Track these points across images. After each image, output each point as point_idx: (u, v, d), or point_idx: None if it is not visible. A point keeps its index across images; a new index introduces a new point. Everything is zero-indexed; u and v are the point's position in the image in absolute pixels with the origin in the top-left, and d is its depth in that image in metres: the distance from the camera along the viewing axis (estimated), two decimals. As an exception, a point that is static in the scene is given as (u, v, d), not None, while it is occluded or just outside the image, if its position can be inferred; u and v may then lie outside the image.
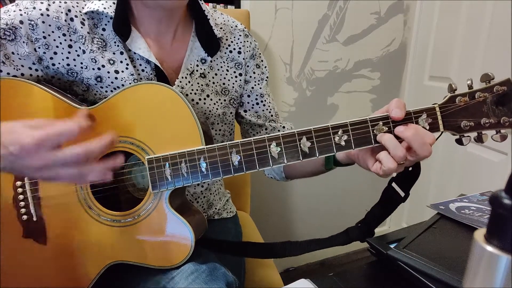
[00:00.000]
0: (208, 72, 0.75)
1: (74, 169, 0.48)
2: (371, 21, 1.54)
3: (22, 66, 0.63)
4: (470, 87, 0.54)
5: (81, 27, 0.64)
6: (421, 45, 1.62)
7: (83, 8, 0.65)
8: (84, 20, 0.65)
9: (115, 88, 0.67)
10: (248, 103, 0.83)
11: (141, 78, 0.68)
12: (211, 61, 0.75)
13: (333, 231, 0.70)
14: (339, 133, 0.54)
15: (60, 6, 0.63)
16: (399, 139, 0.53)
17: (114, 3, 0.65)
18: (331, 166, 0.67)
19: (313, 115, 1.57)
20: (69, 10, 0.64)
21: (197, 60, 0.73)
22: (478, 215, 0.68)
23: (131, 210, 0.61)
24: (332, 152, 0.55)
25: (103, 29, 0.66)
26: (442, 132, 0.55)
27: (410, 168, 0.61)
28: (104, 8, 0.64)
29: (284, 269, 1.74)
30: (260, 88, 0.82)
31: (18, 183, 0.61)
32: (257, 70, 0.82)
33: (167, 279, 0.60)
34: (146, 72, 0.68)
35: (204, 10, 0.72)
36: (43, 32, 0.62)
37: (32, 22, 0.62)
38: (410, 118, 0.54)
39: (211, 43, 0.73)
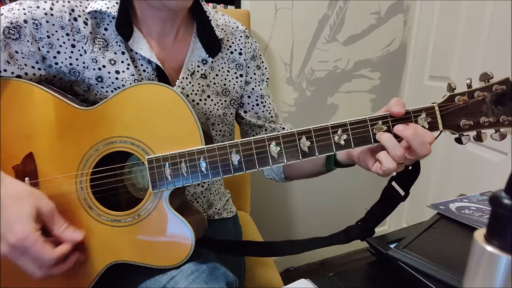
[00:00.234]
0: (209, 73, 0.75)
1: (34, 268, 0.54)
2: (371, 21, 1.54)
3: (26, 65, 0.63)
4: (469, 86, 0.54)
5: (84, 27, 0.64)
6: (421, 45, 1.62)
7: (86, 7, 0.65)
8: (87, 19, 0.65)
9: (115, 88, 0.67)
10: (248, 104, 0.83)
11: (142, 78, 0.68)
12: (212, 62, 0.75)
13: (333, 231, 0.70)
14: (338, 132, 0.54)
15: (63, 6, 0.64)
16: (398, 138, 0.53)
17: (117, 3, 0.65)
18: (332, 166, 0.67)
19: (313, 115, 1.57)
20: (73, 10, 0.64)
21: (198, 61, 0.73)
22: (478, 215, 0.68)
23: (131, 210, 0.61)
24: (331, 151, 0.55)
25: (105, 29, 0.66)
26: (441, 131, 0.56)
27: (410, 167, 0.61)
28: (107, 8, 0.64)
29: (284, 269, 1.74)
30: (261, 89, 0.82)
31: (18, 183, 0.61)
32: (257, 71, 0.82)
33: (167, 279, 0.60)
34: (148, 72, 0.68)
35: (206, 11, 0.72)
36: (47, 31, 0.63)
37: (36, 22, 0.62)
38: (409, 117, 0.54)
39: (212, 44, 0.73)
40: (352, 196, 1.76)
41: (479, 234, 0.26)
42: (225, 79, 0.77)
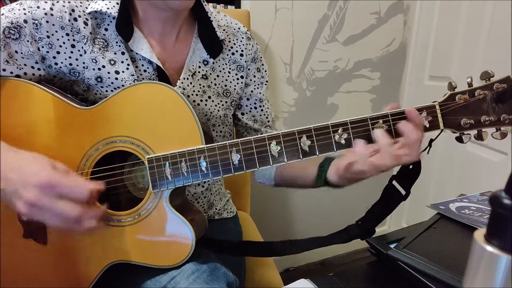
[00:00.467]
0: (210, 74, 0.75)
1: (61, 222, 0.51)
2: (371, 21, 1.54)
3: (25, 65, 0.63)
4: (470, 84, 0.54)
5: (84, 27, 0.64)
6: (421, 45, 1.62)
7: (86, 8, 0.65)
8: (87, 20, 0.65)
9: (115, 88, 0.67)
10: (246, 106, 0.83)
11: (142, 78, 0.68)
12: (213, 63, 0.75)
13: (333, 230, 0.70)
14: (339, 131, 0.54)
15: (64, 6, 0.63)
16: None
17: (117, 3, 0.65)
18: (322, 182, 0.66)
19: (313, 115, 1.57)
20: (73, 10, 0.64)
21: (199, 62, 0.73)
22: (478, 215, 0.68)
23: (132, 209, 0.61)
24: (332, 150, 0.55)
25: (106, 29, 0.66)
26: (442, 130, 0.56)
27: (411, 166, 0.61)
28: (108, 8, 0.64)
29: (284, 269, 1.74)
30: (260, 92, 0.82)
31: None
32: (257, 74, 0.82)
33: (167, 279, 0.60)
34: (148, 72, 0.68)
35: (207, 12, 0.72)
36: (47, 31, 0.63)
37: (36, 22, 0.62)
38: None
39: (213, 45, 0.73)
40: (352, 196, 1.76)
41: (479, 234, 0.26)
42: (226, 80, 0.77)
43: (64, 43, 0.64)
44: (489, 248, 0.25)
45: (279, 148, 0.56)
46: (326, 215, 1.73)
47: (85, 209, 0.51)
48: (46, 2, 0.63)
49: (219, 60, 0.76)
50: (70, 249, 0.62)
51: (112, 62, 0.66)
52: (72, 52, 0.65)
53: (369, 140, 0.55)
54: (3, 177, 0.50)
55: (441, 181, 1.55)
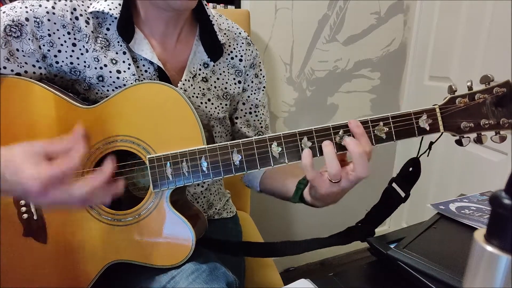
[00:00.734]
0: (210, 77, 0.75)
1: (79, 201, 0.51)
2: (371, 21, 1.54)
3: (26, 63, 0.63)
4: (470, 88, 0.55)
5: (86, 26, 0.64)
6: (421, 45, 1.62)
7: (88, 7, 0.65)
8: (89, 19, 0.65)
9: (116, 88, 0.67)
10: (241, 110, 0.83)
11: (144, 79, 0.68)
12: (213, 66, 0.75)
13: (333, 231, 0.70)
14: (340, 133, 0.55)
15: (65, 5, 0.64)
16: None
17: (120, 4, 0.65)
18: (297, 200, 0.66)
19: (313, 115, 1.57)
20: (75, 9, 0.64)
21: (200, 64, 0.73)
22: (478, 215, 0.68)
23: (132, 209, 0.61)
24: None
25: (107, 29, 0.66)
26: (442, 133, 0.56)
27: (411, 169, 0.61)
28: (110, 9, 0.64)
29: (284, 269, 1.74)
30: (256, 98, 0.83)
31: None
32: (255, 80, 0.82)
33: (167, 279, 0.60)
34: (149, 72, 0.68)
35: (209, 15, 0.72)
36: (48, 30, 0.63)
37: (38, 20, 0.62)
38: (410, 118, 0.55)
39: (214, 48, 0.73)
40: (352, 197, 1.76)
41: (479, 234, 0.26)
42: (226, 83, 0.77)
43: (65, 41, 0.64)
44: (489, 248, 0.25)
45: (280, 149, 0.56)
46: (326, 215, 1.73)
47: (92, 182, 0.50)
48: (48, 1, 0.63)
49: (219, 63, 0.76)
50: (70, 248, 0.62)
51: (114, 61, 0.66)
52: (73, 51, 0.65)
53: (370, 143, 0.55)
54: (3, 180, 0.49)
55: (441, 181, 1.55)
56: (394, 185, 0.63)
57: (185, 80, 0.70)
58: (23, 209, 0.61)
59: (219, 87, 0.76)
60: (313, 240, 0.70)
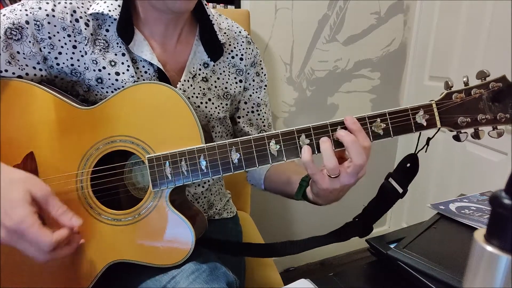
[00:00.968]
0: (211, 76, 0.75)
1: (36, 252, 0.51)
2: (371, 21, 1.54)
3: (27, 65, 0.63)
4: (466, 83, 0.55)
5: (85, 28, 0.64)
6: (421, 45, 1.62)
7: (88, 9, 0.65)
8: (88, 21, 0.65)
9: (115, 89, 0.67)
10: (243, 109, 0.83)
11: (143, 80, 0.68)
12: (213, 66, 0.75)
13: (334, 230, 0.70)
14: (337, 130, 0.55)
15: (65, 7, 0.63)
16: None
17: (119, 5, 0.65)
18: (300, 197, 0.67)
19: (313, 115, 1.57)
20: (74, 11, 0.64)
21: (200, 64, 0.73)
22: (478, 215, 0.68)
23: (132, 209, 0.61)
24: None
25: (107, 30, 0.66)
26: (439, 128, 0.56)
27: (409, 164, 0.61)
28: (109, 10, 0.64)
29: (284, 269, 1.74)
30: (258, 97, 0.83)
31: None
32: (256, 78, 0.82)
33: (167, 279, 0.60)
34: (149, 74, 0.68)
35: (209, 15, 0.72)
36: (49, 32, 0.63)
37: (38, 23, 0.62)
38: (407, 114, 0.55)
39: (214, 48, 0.73)
40: (353, 197, 1.75)
41: (479, 234, 0.26)
42: (226, 82, 0.77)
43: (65, 44, 0.64)
44: (489, 248, 0.25)
45: (278, 147, 0.56)
46: (326, 215, 1.73)
47: (49, 254, 0.52)
48: (47, 3, 0.63)
49: (220, 62, 0.76)
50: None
51: (113, 63, 0.66)
52: (73, 53, 0.65)
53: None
54: None
55: (441, 181, 1.55)
56: (391, 180, 0.63)
57: (185, 80, 0.70)
58: (23, 209, 0.61)
59: (219, 86, 0.76)
60: (311, 239, 0.70)
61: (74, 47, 0.65)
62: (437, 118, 0.55)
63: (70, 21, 0.64)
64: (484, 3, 1.28)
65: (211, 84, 0.75)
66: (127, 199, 0.68)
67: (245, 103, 0.82)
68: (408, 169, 0.62)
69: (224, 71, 0.77)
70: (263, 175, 0.82)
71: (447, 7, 1.47)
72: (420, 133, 0.57)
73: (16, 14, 0.61)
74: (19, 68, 0.62)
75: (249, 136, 0.56)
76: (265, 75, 0.84)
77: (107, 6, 0.64)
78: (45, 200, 0.53)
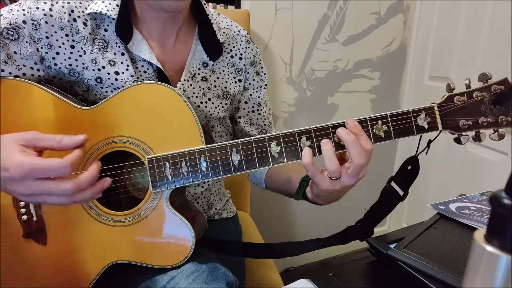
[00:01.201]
0: (210, 76, 0.75)
1: (62, 198, 0.51)
2: (371, 21, 1.54)
3: (24, 66, 0.63)
4: (468, 86, 0.55)
5: (83, 28, 0.64)
6: (421, 45, 1.62)
7: (86, 8, 0.65)
8: (86, 20, 0.65)
9: (115, 89, 0.67)
10: (244, 109, 0.83)
11: (142, 79, 0.68)
12: (213, 65, 0.75)
13: (333, 231, 0.70)
14: (337, 128, 0.55)
15: (63, 7, 0.63)
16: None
17: (117, 5, 0.65)
18: (300, 197, 0.67)
19: (313, 115, 1.57)
20: (72, 11, 0.64)
21: (199, 64, 0.73)
22: (478, 215, 0.68)
23: (132, 209, 0.61)
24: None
25: (105, 30, 0.66)
26: (440, 131, 0.56)
27: (409, 167, 0.61)
28: (108, 10, 0.64)
29: (284, 269, 1.74)
30: (258, 96, 0.83)
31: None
32: (256, 77, 0.82)
33: (167, 279, 0.60)
34: (148, 73, 0.68)
35: (208, 14, 0.72)
36: (46, 32, 0.62)
37: (35, 22, 0.62)
38: (409, 117, 0.55)
39: (213, 47, 0.73)
40: (353, 197, 1.75)
41: (479, 234, 0.26)
42: (226, 82, 0.77)
43: (63, 43, 0.64)
44: (489, 248, 0.25)
45: (279, 148, 0.56)
46: (326, 215, 1.73)
47: (76, 182, 0.50)
48: (45, 3, 0.63)
49: (219, 62, 0.76)
50: (70, 249, 0.62)
51: (112, 63, 0.66)
52: (71, 52, 0.65)
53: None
54: None
55: (441, 181, 1.55)
56: (393, 184, 0.63)
57: (184, 80, 0.70)
58: (23, 210, 0.61)
59: (219, 86, 0.76)
60: (312, 241, 0.70)
61: (72, 47, 0.65)
62: (439, 121, 0.55)
63: (68, 21, 0.64)
64: (484, 3, 1.28)
65: (211, 84, 0.75)
66: (127, 199, 0.68)
67: (246, 102, 0.82)
68: (409, 171, 0.62)
69: (223, 71, 0.76)
70: (264, 174, 0.82)
71: (447, 7, 1.47)
72: (421, 135, 0.57)
73: (13, 14, 0.61)
74: (16, 68, 0.62)
75: (250, 138, 0.56)
76: (265, 74, 0.84)
77: (105, 6, 0.64)
78: (36, 139, 0.51)
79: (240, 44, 0.78)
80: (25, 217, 0.61)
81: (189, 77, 0.71)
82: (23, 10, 0.62)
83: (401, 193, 0.63)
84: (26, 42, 0.62)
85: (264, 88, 0.84)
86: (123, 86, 0.66)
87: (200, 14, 0.72)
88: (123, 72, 0.66)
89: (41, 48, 0.63)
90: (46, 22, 0.62)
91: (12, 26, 0.61)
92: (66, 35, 0.64)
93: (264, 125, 0.86)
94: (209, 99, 0.74)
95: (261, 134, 0.84)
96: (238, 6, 1.34)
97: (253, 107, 0.83)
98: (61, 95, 0.62)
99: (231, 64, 0.77)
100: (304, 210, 1.69)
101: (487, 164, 1.31)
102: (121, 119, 0.60)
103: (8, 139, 0.51)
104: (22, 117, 0.61)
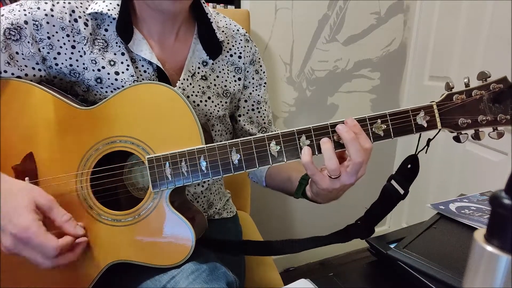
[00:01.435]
0: (210, 75, 0.75)
1: (38, 264, 0.53)
2: (371, 21, 1.54)
3: (26, 66, 0.63)
4: (467, 85, 0.55)
5: (84, 28, 0.64)
6: (421, 45, 1.62)
7: (87, 8, 0.65)
8: (87, 20, 0.65)
9: (115, 89, 0.67)
10: (244, 107, 0.83)
11: (142, 79, 0.68)
12: (212, 64, 0.75)
13: (333, 230, 0.70)
14: (337, 125, 0.55)
15: (64, 7, 0.63)
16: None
17: (118, 4, 0.65)
18: (299, 195, 0.67)
19: (313, 115, 1.57)
20: (73, 11, 0.64)
21: (199, 62, 0.73)
22: (478, 215, 0.68)
23: (132, 209, 0.61)
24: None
25: (106, 30, 0.66)
26: (439, 130, 0.56)
27: (409, 166, 0.61)
28: (108, 10, 0.64)
29: (284, 269, 1.74)
30: (258, 94, 0.83)
31: (19, 182, 0.61)
32: (256, 76, 0.82)
33: (167, 279, 0.60)
34: (148, 73, 0.68)
35: (207, 13, 0.72)
36: (47, 32, 0.63)
37: (37, 23, 0.62)
38: (408, 116, 0.55)
39: (213, 46, 0.73)
40: (352, 196, 1.75)
41: (479, 234, 0.26)
42: (225, 80, 0.77)
43: (64, 44, 0.64)
44: (489, 248, 0.25)
45: (278, 148, 0.56)
46: (326, 215, 1.73)
47: (54, 261, 0.53)
48: (46, 3, 0.63)
49: (219, 61, 0.76)
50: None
51: (112, 63, 0.66)
52: (72, 53, 0.65)
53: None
54: None
55: (441, 181, 1.55)
56: (393, 182, 0.63)
57: (184, 79, 0.70)
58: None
59: (218, 85, 0.76)
60: (312, 239, 0.70)
61: (73, 47, 0.65)
62: (438, 119, 0.55)
63: (69, 21, 0.64)
64: (484, 3, 1.28)
65: (210, 83, 0.75)
66: (127, 199, 0.68)
67: (245, 101, 0.82)
68: (409, 170, 0.62)
69: (223, 69, 0.77)
70: (264, 172, 0.82)
71: (447, 7, 1.47)
72: (420, 134, 0.57)
73: (14, 15, 0.61)
74: (18, 69, 0.62)
75: (250, 137, 0.56)
76: (264, 72, 0.84)
77: (106, 6, 0.64)
78: (49, 207, 0.54)
79: (239, 43, 0.78)
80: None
81: (189, 76, 0.71)
82: (24, 10, 0.62)
83: (401, 191, 0.63)
84: (28, 42, 0.62)
85: (264, 86, 0.84)
86: (123, 86, 0.66)
87: (199, 13, 0.72)
88: (123, 72, 0.66)
89: (43, 48, 0.63)
90: (48, 23, 0.62)
91: (14, 26, 0.61)
92: (67, 35, 0.64)
93: (264, 123, 0.86)
94: (209, 98, 0.75)
95: (261, 132, 0.84)
96: (238, 6, 1.34)
97: (253, 105, 0.83)
98: (61, 96, 0.62)
99: (230, 62, 0.77)
100: (304, 209, 1.69)
101: (487, 164, 1.31)
102: (121, 119, 0.60)
103: (27, 193, 0.53)
104: (23, 118, 0.61)
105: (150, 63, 0.68)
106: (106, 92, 0.67)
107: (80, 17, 0.64)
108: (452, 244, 0.61)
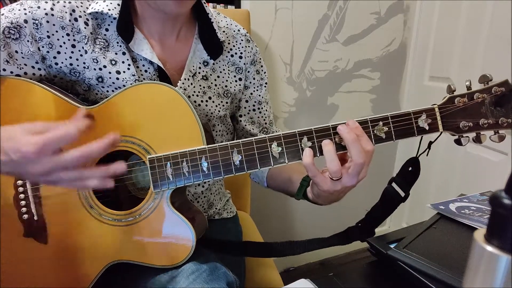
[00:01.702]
0: (210, 75, 0.75)
1: (75, 173, 0.48)
2: (371, 21, 1.54)
3: (25, 65, 0.63)
4: (468, 88, 0.55)
5: (85, 27, 0.64)
6: (421, 45, 1.62)
7: (87, 8, 0.65)
8: (88, 20, 0.65)
9: (116, 89, 0.67)
10: (245, 108, 0.83)
11: (143, 79, 0.68)
12: (213, 64, 0.75)
13: (334, 231, 0.70)
14: (338, 126, 0.55)
15: (64, 6, 0.64)
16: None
17: (118, 4, 0.65)
18: (300, 197, 0.67)
19: (313, 115, 1.57)
20: (73, 10, 0.64)
21: (200, 62, 0.73)
22: (478, 215, 0.68)
23: (133, 209, 0.61)
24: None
25: (106, 29, 0.66)
26: (441, 133, 0.56)
27: (410, 168, 0.61)
28: (109, 9, 0.64)
29: (284, 269, 1.74)
30: (259, 95, 0.83)
31: (19, 182, 0.61)
32: (256, 76, 0.82)
33: (168, 279, 0.61)
34: (149, 72, 0.69)
35: (208, 13, 0.72)
36: (47, 31, 0.63)
37: (37, 22, 0.62)
38: (410, 118, 0.55)
39: (214, 46, 0.73)
40: (353, 197, 1.75)
41: (479, 234, 0.26)
42: (226, 81, 0.77)
43: (64, 43, 0.64)
44: (489, 248, 0.25)
45: (280, 149, 0.56)
46: (327, 215, 1.73)
47: (86, 147, 0.48)
48: (46, 2, 0.63)
49: (219, 61, 0.76)
50: (70, 248, 0.62)
51: (113, 62, 0.66)
52: (72, 52, 0.65)
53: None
54: (3, 153, 0.47)
55: (441, 181, 1.55)
56: (394, 185, 0.63)
57: (185, 79, 0.70)
58: (24, 209, 0.61)
59: (219, 85, 0.76)
60: (313, 240, 0.70)
61: (73, 46, 0.65)
62: (440, 122, 0.55)
63: (69, 20, 0.64)
64: (484, 3, 1.28)
65: (211, 83, 0.75)
66: (128, 199, 0.68)
67: (246, 101, 0.82)
68: (409, 173, 0.62)
69: (223, 69, 0.77)
70: (266, 172, 0.82)
71: (447, 7, 1.47)
72: (421, 136, 0.57)
73: (14, 14, 0.61)
74: (17, 67, 0.62)
75: (251, 138, 0.56)
76: (265, 72, 0.84)
77: (107, 5, 0.64)
78: (45, 127, 0.49)
79: (240, 43, 0.78)
80: (26, 216, 0.61)
81: (190, 76, 0.71)
82: (24, 9, 0.62)
83: (402, 194, 0.63)
84: (28, 41, 0.62)
85: (265, 86, 0.84)
86: (124, 86, 0.66)
87: (200, 13, 0.72)
88: (124, 72, 0.67)
89: (42, 47, 0.63)
90: (48, 22, 0.62)
91: (13, 25, 0.61)
92: (67, 34, 0.64)
93: (265, 123, 0.86)
94: (210, 98, 0.75)
95: (262, 133, 0.84)
96: (238, 6, 1.34)
97: (254, 105, 0.83)
98: (62, 94, 0.62)
99: (231, 63, 0.78)
100: (304, 210, 1.69)
101: (487, 164, 1.31)
102: (122, 119, 0.60)
103: (20, 127, 0.48)
104: (23, 116, 0.61)
105: (151, 62, 0.68)
106: (107, 91, 0.67)
107: (80, 16, 0.64)
108: (452, 244, 0.61)
